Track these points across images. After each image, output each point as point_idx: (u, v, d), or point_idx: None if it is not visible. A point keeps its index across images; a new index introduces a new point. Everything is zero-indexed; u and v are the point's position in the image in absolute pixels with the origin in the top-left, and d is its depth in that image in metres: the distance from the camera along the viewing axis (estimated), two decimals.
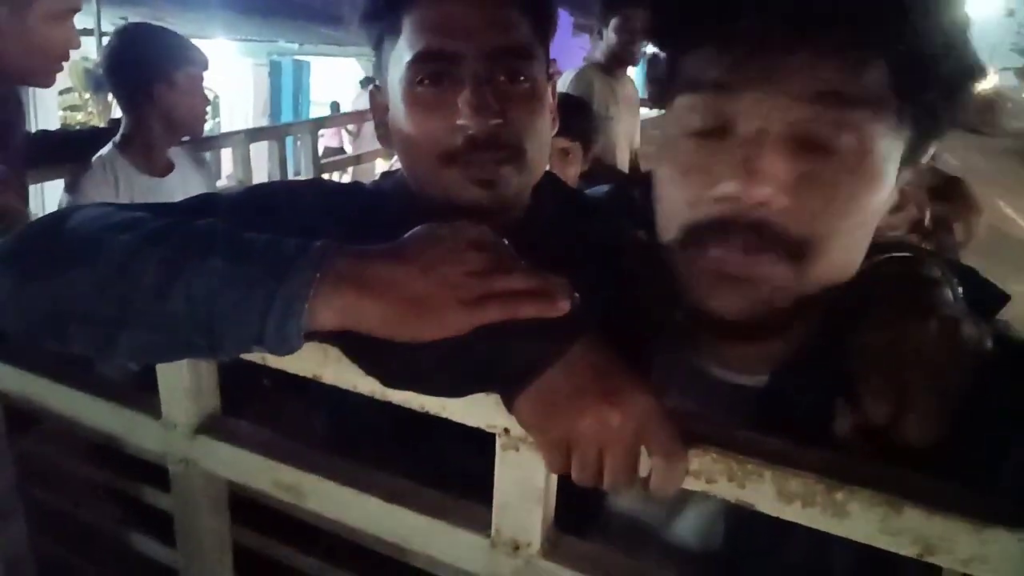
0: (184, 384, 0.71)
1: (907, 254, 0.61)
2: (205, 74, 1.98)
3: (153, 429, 0.74)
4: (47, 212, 0.69)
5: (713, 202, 0.54)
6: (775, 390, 0.60)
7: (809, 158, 0.52)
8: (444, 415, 0.58)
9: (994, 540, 0.43)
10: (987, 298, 0.61)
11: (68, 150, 1.94)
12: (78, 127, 2.15)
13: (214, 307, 0.54)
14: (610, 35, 2.77)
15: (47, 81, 1.43)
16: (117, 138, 1.91)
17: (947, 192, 1.75)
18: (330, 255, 0.55)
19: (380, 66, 0.84)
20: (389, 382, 0.58)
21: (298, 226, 0.59)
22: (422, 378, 0.56)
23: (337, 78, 11.02)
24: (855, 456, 0.49)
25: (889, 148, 0.53)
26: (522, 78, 0.79)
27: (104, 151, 1.88)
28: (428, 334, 0.53)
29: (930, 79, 0.52)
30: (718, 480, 0.50)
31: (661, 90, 0.61)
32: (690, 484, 0.51)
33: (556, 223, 0.86)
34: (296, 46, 10.11)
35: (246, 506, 0.78)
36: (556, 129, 0.89)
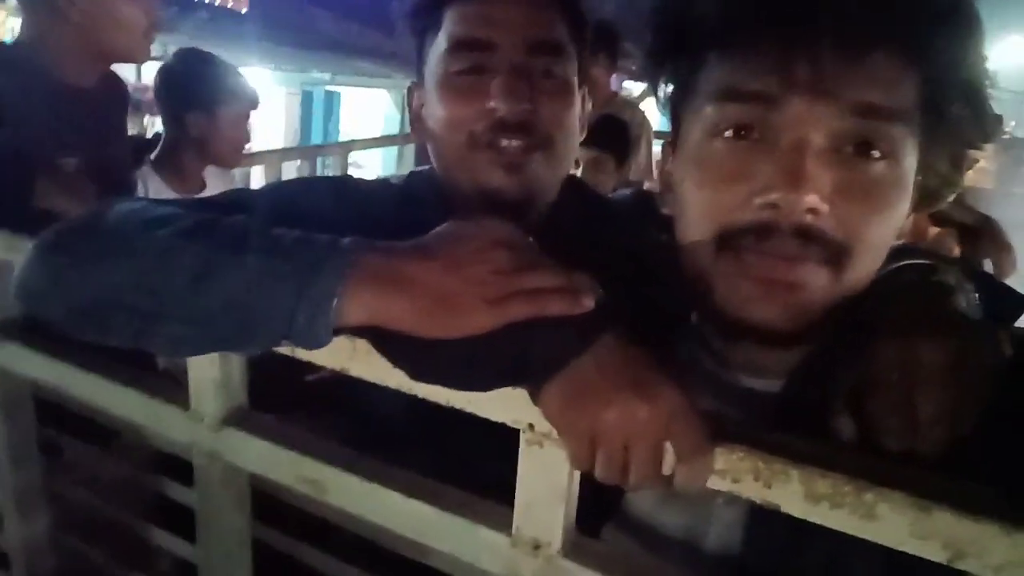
0: (213, 376, 0.72)
1: (923, 261, 0.61)
2: (251, 113, 2.01)
3: (180, 420, 0.75)
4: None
5: (756, 207, 0.54)
6: (790, 396, 0.60)
7: (846, 167, 0.53)
8: (470, 409, 0.58)
9: None
10: (1007, 304, 0.60)
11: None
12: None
13: (245, 302, 0.55)
14: None
15: (141, 56, 1.46)
16: (153, 155, 1.96)
17: (978, 230, 1.74)
18: (359, 252, 0.56)
19: (420, 61, 0.87)
20: (416, 376, 0.58)
21: (327, 222, 0.60)
22: (449, 372, 0.56)
23: (366, 108, 11.22)
24: (883, 457, 0.49)
25: (912, 161, 0.55)
26: (556, 73, 0.81)
27: (141, 165, 1.92)
28: (454, 331, 0.53)
29: (953, 97, 0.54)
30: (743, 479, 0.50)
31: (676, 99, 0.62)
32: (715, 483, 0.51)
33: (579, 224, 0.87)
34: (328, 76, 10.32)
35: (266, 506, 0.78)
36: (584, 137, 0.91)
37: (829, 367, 0.57)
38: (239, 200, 0.76)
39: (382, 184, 0.92)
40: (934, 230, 1.58)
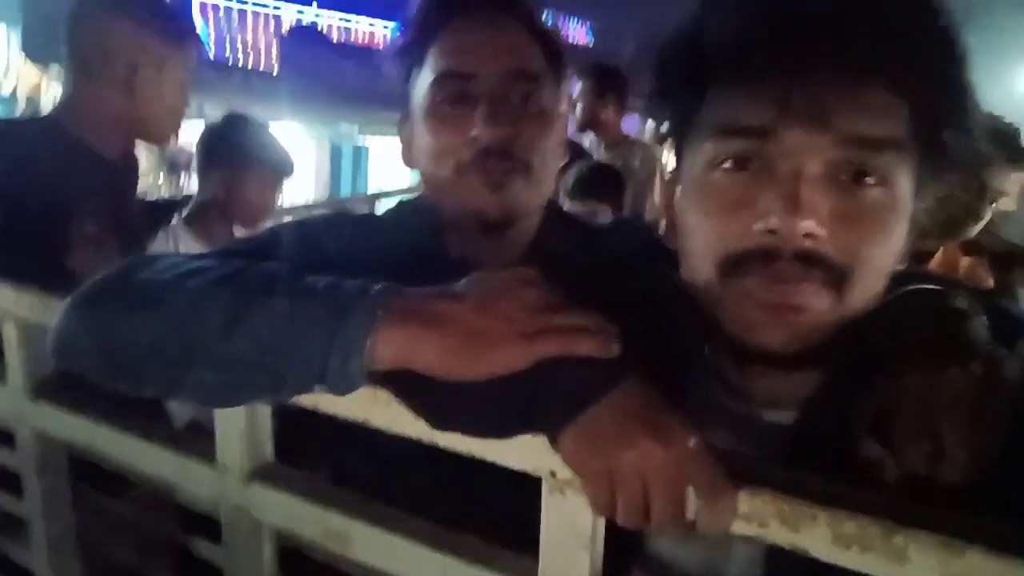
0: (239, 428, 0.73)
1: (931, 286, 0.61)
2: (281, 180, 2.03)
3: (207, 475, 0.76)
4: None
5: (756, 234, 0.55)
6: (805, 426, 0.60)
7: (841, 193, 0.54)
8: (491, 458, 0.58)
9: None
10: (1012, 327, 0.59)
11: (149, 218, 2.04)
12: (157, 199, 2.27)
13: (278, 346, 0.57)
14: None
15: (166, 139, 1.54)
16: (185, 211, 2.01)
17: (1011, 259, 1.72)
18: (389, 295, 0.57)
19: (408, 97, 0.91)
20: (437, 423, 0.58)
21: (341, 260, 0.62)
22: (470, 419, 0.56)
23: (395, 159, 11.46)
24: (907, 496, 0.47)
25: (907, 186, 0.57)
26: (534, 101, 0.86)
27: (172, 222, 1.98)
28: (484, 368, 0.54)
29: (943, 126, 0.56)
30: (769, 523, 0.49)
31: (677, 135, 0.64)
32: (741, 528, 0.50)
33: (564, 252, 0.90)
34: (356, 127, 10.59)
35: (290, 560, 0.78)
36: (566, 161, 0.96)
37: (843, 395, 0.56)
38: (263, 245, 0.78)
39: (373, 216, 0.96)
40: (965, 260, 1.56)
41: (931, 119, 0.55)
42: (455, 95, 0.84)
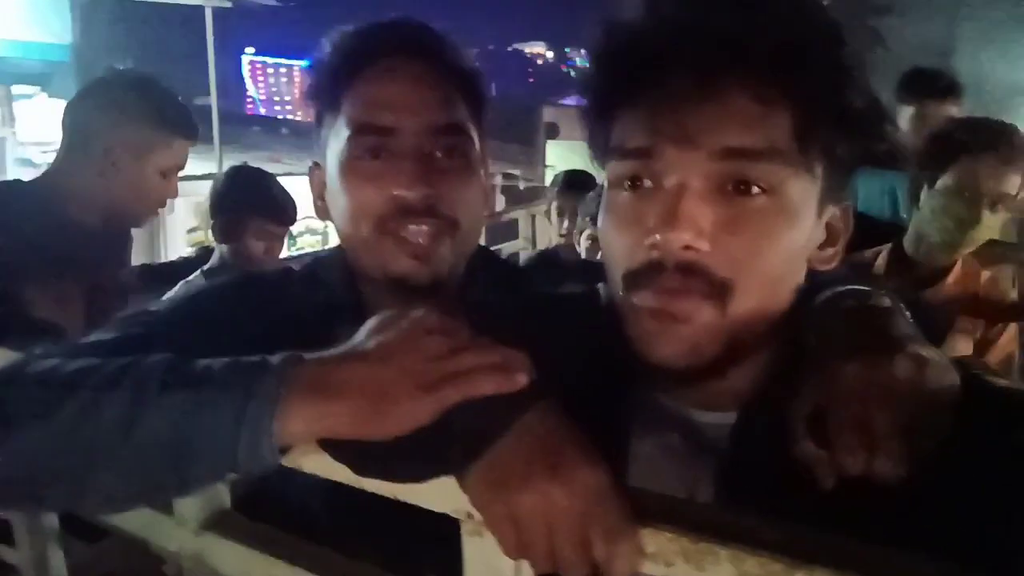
0: None
1: (859, 287, 0.64)
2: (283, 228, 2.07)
3: (168, 526, 0.76)
4: None
5: (645, 249, 0.57)
6: (743, 428, 0.61)
7: (726, 204, 0.55)
8: (412, 500, 0.57)
9: None
10: (933, 324, 0.61)
11: (171, 278, 2.12)
12: (180, 259, 2.35)
13: (180, 443, 0.54)
14: None
15: (141, 223, 1.61)
16: (206, 267, 2.07)
17: None
18: (290, 367, 0.55)
19: (320, 143, 0.87)
20: (357, 471, 0.57)
21: (242, 328, 0.61)
22: (386, 464, 0.55)
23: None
24: (815, 528, 0.44)
25: (801, 190, 0.56)
26: (457, 154, 0.82)
27: (192, 276, 2.03)
28: (395, 427, 0.52)
29: (831, 126, 0.56)
30: (675, 562, 0.46)
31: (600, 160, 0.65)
32: (648, 568, 0.47)
33: (490, 293, 0.87)
34: None
35: None
36: (491, 211, 0.91)
37: (780, 394, 0.57)
38: (152, 328, 0.74)
39: (284, 273, 0.90)
40: (986, 273, 1.48)
41: (814, 125, 0.55)
42: (373, 151, 0.80)
